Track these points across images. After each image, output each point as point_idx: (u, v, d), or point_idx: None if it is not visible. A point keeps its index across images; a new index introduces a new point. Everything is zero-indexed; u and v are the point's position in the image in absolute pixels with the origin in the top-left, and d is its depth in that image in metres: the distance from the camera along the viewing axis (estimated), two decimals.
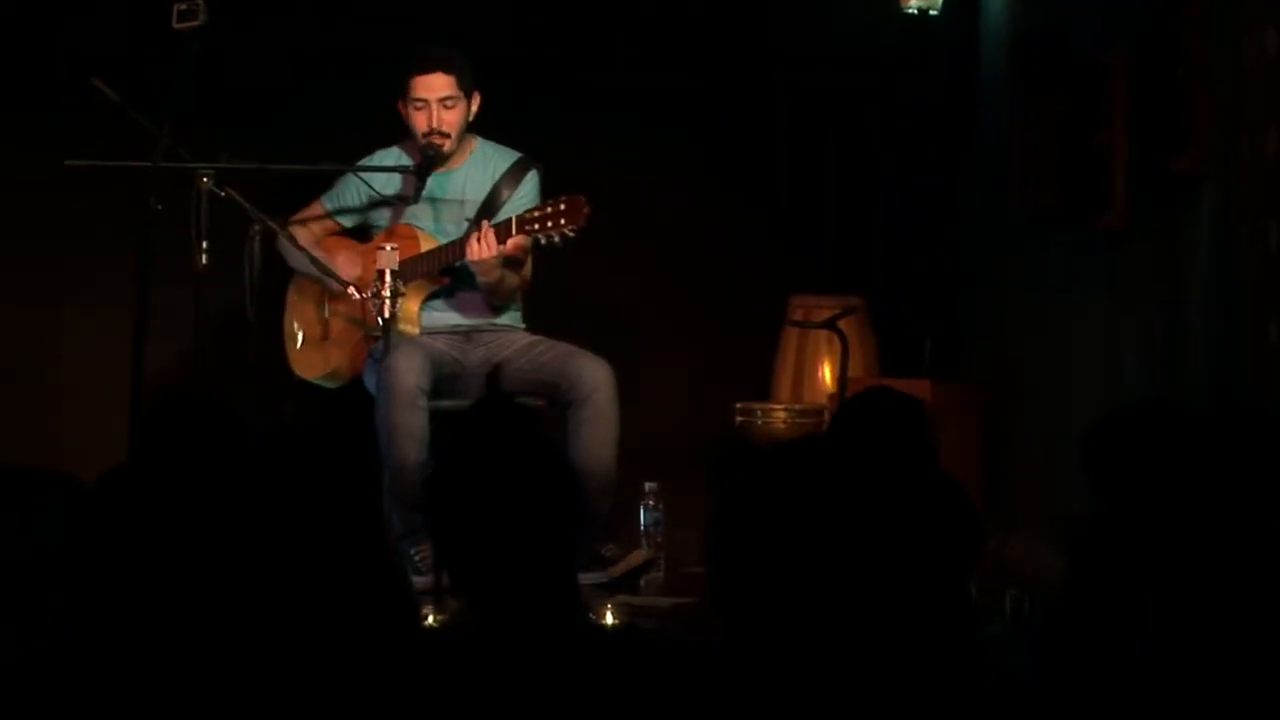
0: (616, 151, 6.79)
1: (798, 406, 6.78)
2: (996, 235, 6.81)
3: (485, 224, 5.70)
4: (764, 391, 6.98)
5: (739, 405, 6.71)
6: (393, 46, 6.13)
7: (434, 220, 5.92)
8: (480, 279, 5.79)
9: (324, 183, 6.07)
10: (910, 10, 6.88)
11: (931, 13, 6.93)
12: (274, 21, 6.65)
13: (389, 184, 5.94)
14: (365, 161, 5.96)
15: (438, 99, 5.81)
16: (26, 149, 6.40)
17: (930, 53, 7.06)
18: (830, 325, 6.52)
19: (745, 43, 7.08)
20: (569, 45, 6.91)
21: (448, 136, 5.83)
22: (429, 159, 5.83)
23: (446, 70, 5.82)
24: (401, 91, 5.84)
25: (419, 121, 5.82)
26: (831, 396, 6.72)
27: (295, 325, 6.07)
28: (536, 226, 5.65)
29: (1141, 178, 5.54)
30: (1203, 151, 5.20)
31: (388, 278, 5.40)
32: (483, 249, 5.66)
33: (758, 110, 7.09)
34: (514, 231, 5.68)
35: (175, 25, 5.49)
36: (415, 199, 5.89)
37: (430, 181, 5.89)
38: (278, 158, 5.86)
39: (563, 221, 5.62)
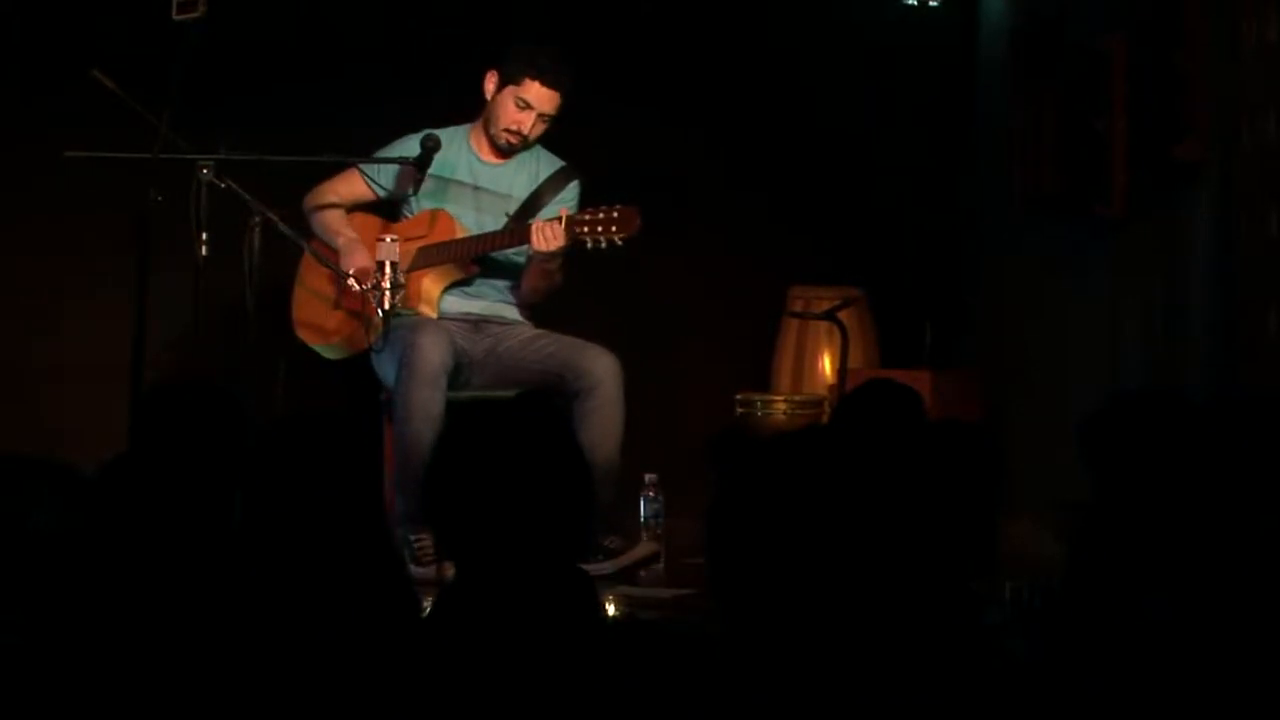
0: (617, 141, 6.79)
1: (798, 397, 6.78)
2: (996, 224, 6.82)
3: (548, 222, 5.67)
4: (764, 382, 6.98)
5: (739, 396, 6.71)
6: (393, 36, 6.12)
7: (475, 210, 5.91)
8: (541, 266, 5.77)
9: (324, 173, 6.05)
10: (910, 1, 6.89)
11: (931, 3, 6.94)
12: (274, 12, 6.64)
13: (440, 167, 5.91)
14: (395, 144, 5.92)
15: (541, 112, 5.83)
16: (26, 140, 6.40)
17: (929, 42, 7.06)
18: (830, 316, 6.52)
19: (745, 33, 7.08)
20: (568, 36, 6.90)
21: (526, 140, 5.86)
22: (427, 149, 5.81)
23: (565, 92, 5.83)
24: (509, 78, 5.83)
25: (512, 117, 5.82)
26: (831, 387, 6.72)
27: (307, 291, 6.05)
28: (586, 229, 5.64)
29: (1141, 164, 5.54)
30: (1203, 138, 5.21)
31: (387, 269, 5.39)
32: (551, 240, 5.65)
33: (758, 101, 7.09)
34: (564, 229, 5.67)
35: (175, 16, 5.49)
36: (415, 190, 5.88)
37: (482, 170, 5.89)
38: (277, 149, 5.85)
39: (614, 229, 5.63)
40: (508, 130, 5.84)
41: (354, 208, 6.05)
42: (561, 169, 5.99)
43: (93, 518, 2.64)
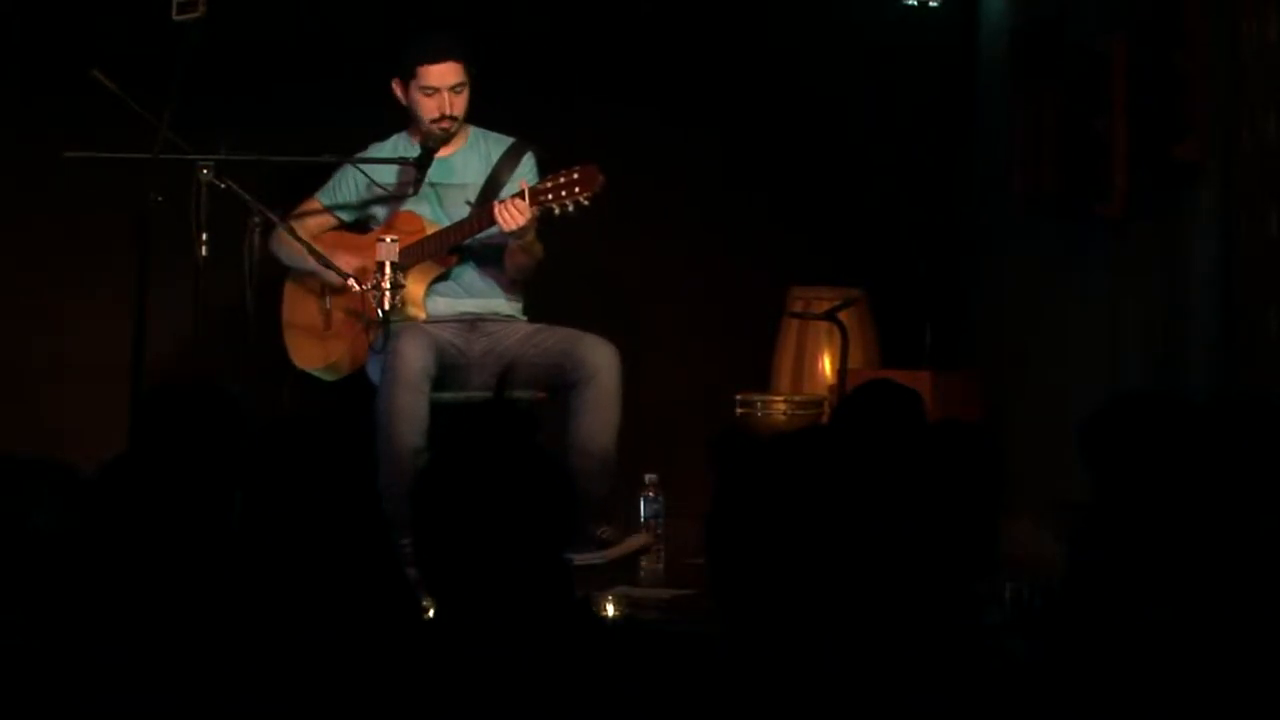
0: (616, 142, 6.77)
1: (798, 398, 6.78)
2: (996, 225, 6.82)
3: (509, 200, 5.66)
4: (764, 383, 6.98)
5: (739, 396, 6.70)
6: (394, 37, 6.12)
7: (438, 206, 5.91)
8: (514, 243, 5.76)
9: (324, 174, 6.05)
10: (910, 1, 6.89)
11: (931, 3, 6.94)
12: (274, 12, 6.64)
13: (387, 176, 5.92)
14: (362, 155, 5.94)
15: (449, 86, 5.82)
16: (26, 140, 6.40)
17: (929, 43, 7.06)
18: (830, 317, 6.52)
19: (746, 33, 7.08)
20: (569, 36, 6.91)
21: (456, 120, 5.85)
22: (427, 150, 5.82)
23: (458, 58, 5.82)
24: (406, 75, 5.84)
25: (429, 108, 5.82)
26: (831, 388, 6.72)
27: (295, 317, 6.05)
28: (550, 197, 5.64)
29: (1141, 165, 5.54)
30: (1203, 139, 5.21)
31: (388, 269, 5.39)
32: (517, 216, 5.64)
33: (758, 100, 7.09)
34: (527, 203, 5.66)
35: (175, 16, 5.50)
36: (415, 190, 5.88)
37: (433, 167, 5.88)
38: (278, 149, 5.85)
39: (577, 190, 5.62)
40: (435, 121, 5.83)
41: (319, 230, 6.03)
42: (513, 145, 5.98)
43: (93, 518, 2.64)
